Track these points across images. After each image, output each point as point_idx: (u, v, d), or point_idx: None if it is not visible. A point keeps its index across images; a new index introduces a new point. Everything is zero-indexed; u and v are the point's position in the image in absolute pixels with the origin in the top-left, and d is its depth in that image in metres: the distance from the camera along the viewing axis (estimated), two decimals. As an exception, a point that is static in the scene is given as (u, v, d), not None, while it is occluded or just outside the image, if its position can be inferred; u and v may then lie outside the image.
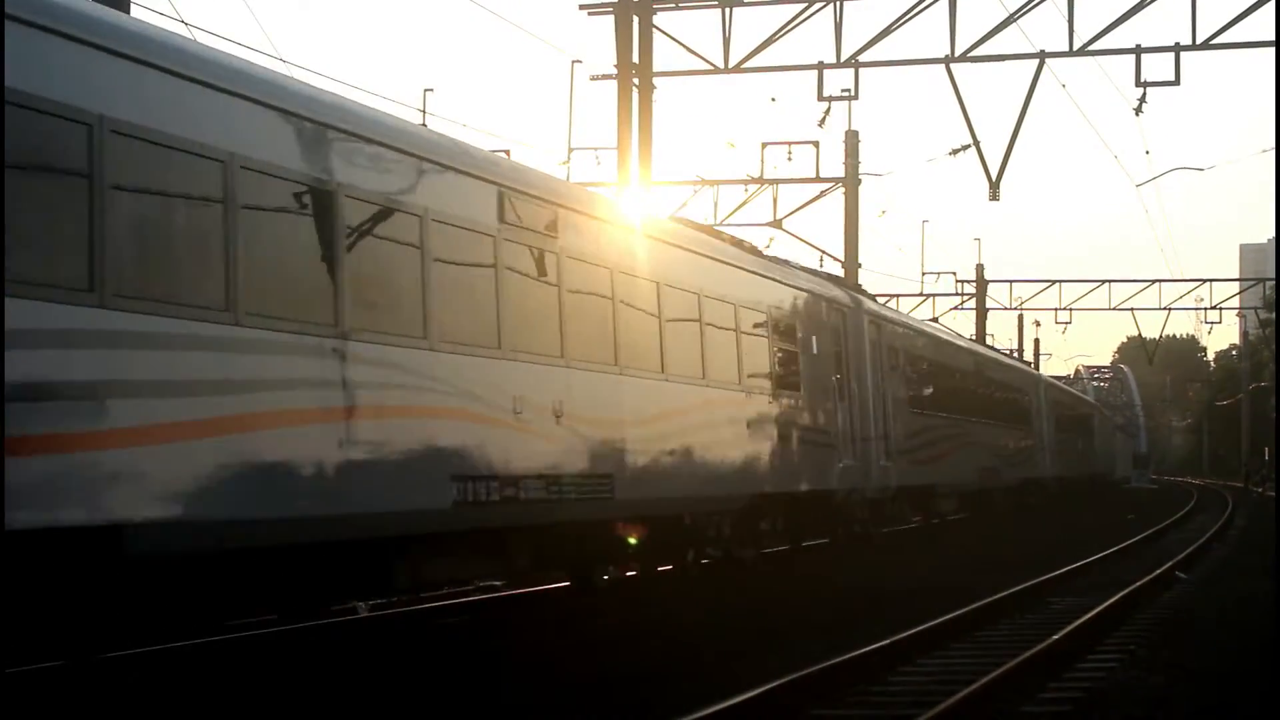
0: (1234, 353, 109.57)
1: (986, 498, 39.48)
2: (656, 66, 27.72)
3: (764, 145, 38.06)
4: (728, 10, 28.00)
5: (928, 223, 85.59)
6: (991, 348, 47.32)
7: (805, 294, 22.75)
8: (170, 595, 10.79)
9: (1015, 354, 68.32)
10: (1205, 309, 62.30)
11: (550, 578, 18.80)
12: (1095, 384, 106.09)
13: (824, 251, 41.07)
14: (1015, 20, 27.41)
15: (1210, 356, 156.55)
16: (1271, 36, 26.45)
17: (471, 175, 13.92)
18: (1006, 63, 28.29)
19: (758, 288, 20.70)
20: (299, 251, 11.52)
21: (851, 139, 39.91)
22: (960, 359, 36.59)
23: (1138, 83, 27.47)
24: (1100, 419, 74.82)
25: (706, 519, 19.32)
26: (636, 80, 27.33)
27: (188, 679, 11.71)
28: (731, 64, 28.24)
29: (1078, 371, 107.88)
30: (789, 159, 37.81)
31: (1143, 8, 26.93)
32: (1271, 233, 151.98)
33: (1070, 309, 62.51)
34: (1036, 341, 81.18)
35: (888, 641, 12.75)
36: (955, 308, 62.65)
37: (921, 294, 60.24)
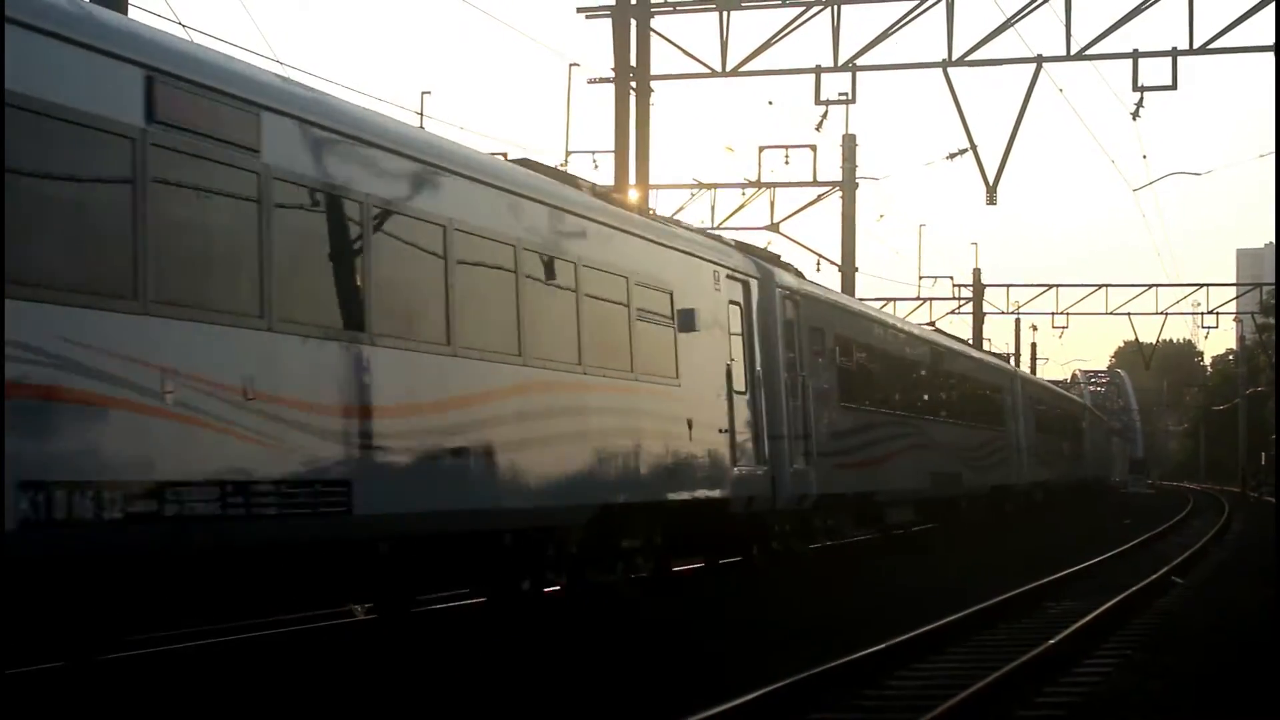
0: (1231, 357, 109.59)
1: (951, 507, 35.05)
2: (654, 70, 27.78)
3: (761, 149, 38.27)
4: (725, 14, 28.05)
5: (925, 227, 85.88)
6: (956, 338, 41.83)
7: (687, 256, 19.05)
8: None
9: (1011, 358, 68.19)
10: (1202, 314, 62.60)
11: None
12: (1092, 388, 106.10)
13: (821, 255, 41.20)
14: (1012, 24, 27.47)
15: (1207, 361, 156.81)
16: (1270, 41, 26.51)
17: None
18: (1004, 67, 28.37)
19: (615, 244, 17.06)
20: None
21: (849, 143, 40.00)
22: (912, 348, 31.44)
23: (1135, 87, 27.56)
24: (1091, 419, 72.89)
25: (537, 537, 15.45)
26: (634, 83, 27.37)
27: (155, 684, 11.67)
28: (729, 68, 28.29)
29: (1074, 376, 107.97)
30: (786, 162, 37.98)
31: (1140, 12, 26.99)
32: (1269, 237, 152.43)
33: (1067, 313, 62.76)
34: (1033, 346, 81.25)
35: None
36: (952, 312, 62.80)
37: (919, 298, 60.51)
